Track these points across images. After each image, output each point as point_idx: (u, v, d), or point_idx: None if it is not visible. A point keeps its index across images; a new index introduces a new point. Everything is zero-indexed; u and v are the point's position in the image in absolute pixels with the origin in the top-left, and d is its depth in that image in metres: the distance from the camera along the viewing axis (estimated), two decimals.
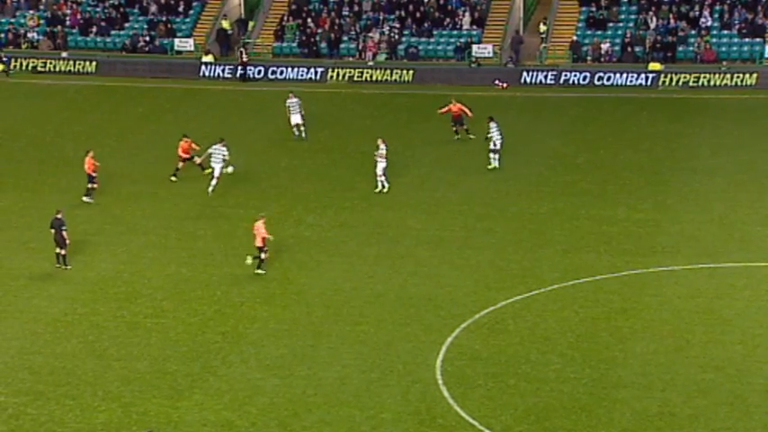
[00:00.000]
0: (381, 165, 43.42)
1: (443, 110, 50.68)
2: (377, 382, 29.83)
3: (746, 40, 62.20)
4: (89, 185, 43.63)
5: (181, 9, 68.82)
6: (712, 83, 59.58)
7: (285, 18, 67.31)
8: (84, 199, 43.63)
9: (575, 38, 63.37)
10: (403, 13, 66.09)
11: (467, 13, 65.56)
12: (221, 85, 63.27)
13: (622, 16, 64.88)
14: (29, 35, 68.28)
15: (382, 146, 43.51)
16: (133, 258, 38.46)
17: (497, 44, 63.87)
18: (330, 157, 49.47)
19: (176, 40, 66.91)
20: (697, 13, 63.51)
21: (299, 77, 63.05)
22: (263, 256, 36.56)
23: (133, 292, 35.77)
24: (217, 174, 43.89)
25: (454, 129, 50.64)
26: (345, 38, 65.76)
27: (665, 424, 27.63)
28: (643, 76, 60.34)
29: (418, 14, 65.86)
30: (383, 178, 43.41)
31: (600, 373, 30.03)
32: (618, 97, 58.66)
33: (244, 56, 63.26)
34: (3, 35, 68.17)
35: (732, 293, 34.69)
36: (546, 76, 61.35)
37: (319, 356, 31.25)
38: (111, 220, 42.17)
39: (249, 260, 36.52)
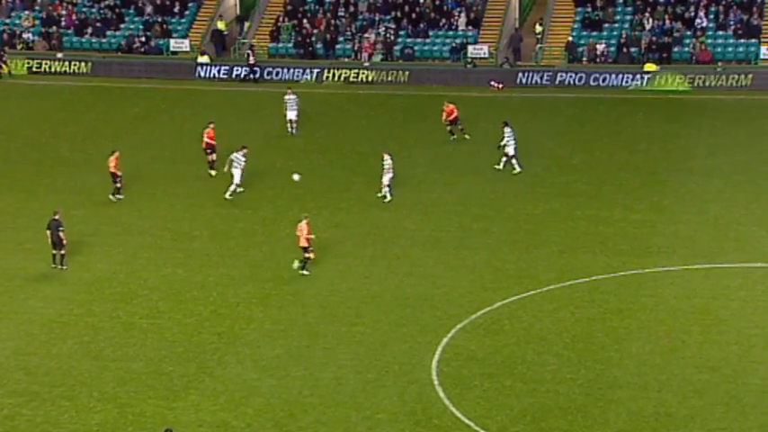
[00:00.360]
0: (388, 175, 42.89)
1: (445, 115, 50.60)
2: (373, 382, 29.82)
3: (742, 40, 62.28)
4: (116, 185, 43.61)
5: (176, 10, 68.80)
6: (708, 83, 59.63)
7: (281, 19, 67.30)
8: (115, 197, 43.60)
9: (570, 38, 63.42)
10: (399, 14, 66.11)
11: (462, 14, 65.58)
12: (217, 86, 63.25)
13: (618, 17, 64.94)
14: (24, 36, 68.22)
15: (388, 159, 42.96)
16: (129, 259, 38.42)
17: (493, 45, 63.89)
18: (326, 158, 49.47)
19: (172, 41, 66.88)
20: (692, 14, 63.58)
21: (295, 78, 63.02)
22: (307, 256, 36.53)
23: (129, 292, 35.74)
24: (237, 181, 43.73)
25: (449, 129, 50.66)
26: (341, 38, 65.77)
27: (661, 424, 27.64)
28: (639, 76, 60.37)
29: (414, 15, 65.88)
30: (387, 189, 42.89)
31: (596, 374, 30.03)
32: (614, 98, 58.70)
33: (251, 57, 63.20)
34: None
35: (728, 294, 34.72)
36: (542, 77, 61.37)
37: (315, 357, 31.24)
38: (107, 220, 42.12)
39: (296, 264, 36.51)
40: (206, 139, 46.58)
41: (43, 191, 45.65)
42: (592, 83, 60.46)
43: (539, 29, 65.25)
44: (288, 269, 37.07)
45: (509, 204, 42.98)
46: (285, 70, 63.45)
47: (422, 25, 65.64)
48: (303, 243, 36.52)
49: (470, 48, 63.49)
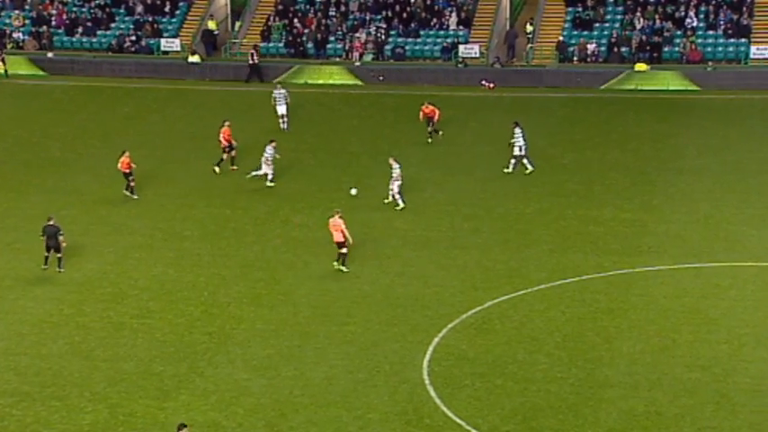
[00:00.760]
0: (397, 183, 42.10)
1: (422, 115, 50.43)
2: (364, 382, 29.83)
3: (732, 40, 62.39)
4: (130, 183, 43.62)
5: (167, 9, 68.72)
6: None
7: (272, 18, 67.26)
8: (131, 194, 43.67)
9: (561, 38, 63.49)
10: (389, 14, 66.11)
11: (453, 14, 65.61)
12: (208, 86, 63.18)
13: (608, 17, 65.02)
14: (14, 35, 68.07)
15: (395, 165, 42.14)
16: (119, 259, 38.37)
17: (484, 44, 63.94)
18: (317, 158, 49.46)
19: (162, 41, 66.79)
20: (683, 13, 63.70)
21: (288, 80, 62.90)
22: (343, 251, 36.47)
23: (119, 292, 35.69)
24: (263, 172, 44.48)
25: (430, 131, 50.44)
26: (332, 38, 65.75)
27: (652, 423, 27.69)
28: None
29: (405, 15, 65.89)
30: (399, 197, 42.16)
31: (586, 373, 30.08)
32: (604, 98, 58.77)
33: (255, 57, 63.11)
34: None
35: (718, 293, 34.80)
36: (533, 76, 61.38)
37: (306, 357, 31.23)
38: (98, 220, 42.06)
39: (339, 265, 36.55)
40: (222, 138, 46.92)
41: (33, 191, 45.57)
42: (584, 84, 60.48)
43: (530, 28, 65.32)
44: (279, 269, 37.07)
45: (500, 204, 43.01)
46: (276, 69, 63.37)
47: (413, 25, 65.65)
48: (339, 238, 36.37)
49: (461, 47, 63.53)
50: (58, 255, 36.83)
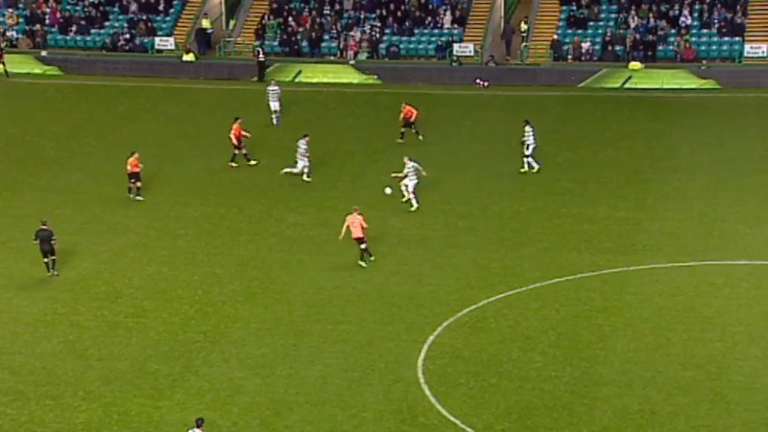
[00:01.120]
0: (413, 182, 41.89)
1: (402, 116, 50.44)
2: (358, 380, 29.83)
3: (726, 38, 62.45)
4: (137, 185, 43.44)
5: (161, 8, 68.64)
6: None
7: (266, 17, 67.22)
8: (134, 197, 43.43)
9: (555, 37, 63.51)
10: (384, 12, 66.09)
11: (448, 12, 65.61)
12: (202, 84, 63.14)
13: (603, 15, 65.05)
14: (8, 33, 67.96)
15: (409, 164, 41.80)
16: (114, 258, 38.32)
17: (478, 43, 63.96)
18: (311, 156, 49.34)
19: (157, 39, 66.72)
20: (677, 12, 63.74)
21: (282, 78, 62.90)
22: (364, 247, 36.56)
23: (114, 291, 35.65)
24: (299, 168, 44.91)
25: (402, 131, 50.39)
26: (326, 36, 65.72)
27: (646, 421, 27.72)
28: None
29: (399, 13, 65.88)
30: (413, 196, 42.02)
31: (581, 371, 30.10)
32: (598, 96, 58.81)
33: (261, 56, 63.02)
34: None
35: (712, 291, 34.84)
36: (527, 75, 61.39)
37: (301, 355, 31.23)
38: (92, 219, 42.01)
39: (366, 259, 36.72)
40: (233, 136, 47.08)
41: (27, 189, 45.50)
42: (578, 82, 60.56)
43: (524, 27, 65.33)
44: (273, 268, 37.06)
45: (494, 202, 43.03)
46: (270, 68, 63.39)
47: (407, 23, 65.64)
48: (359, 234, 36.42)
49: (456, 46, 63.53)
50: (53, 257, 36.71)
